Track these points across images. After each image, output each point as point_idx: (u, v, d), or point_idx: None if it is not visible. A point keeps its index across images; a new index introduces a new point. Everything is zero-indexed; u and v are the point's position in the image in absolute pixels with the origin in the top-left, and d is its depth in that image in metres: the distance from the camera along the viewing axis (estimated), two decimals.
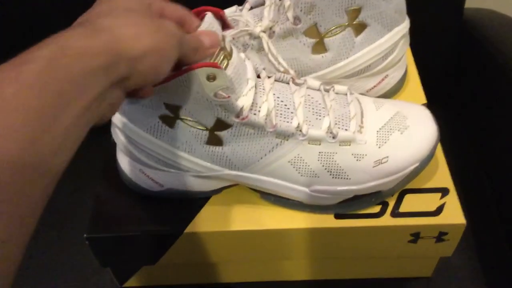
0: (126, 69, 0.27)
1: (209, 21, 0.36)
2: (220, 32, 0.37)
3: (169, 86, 0.36)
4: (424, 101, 0.51)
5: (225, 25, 0.40)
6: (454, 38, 0.67)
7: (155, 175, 0.44)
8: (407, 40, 0.49)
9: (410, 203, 0.44)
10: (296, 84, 0.43)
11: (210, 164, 0.42)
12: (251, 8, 0.47)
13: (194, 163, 0.42)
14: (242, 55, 0.41)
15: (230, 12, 0.46)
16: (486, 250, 0.54)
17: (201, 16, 0.38)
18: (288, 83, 0.42)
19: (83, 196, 0.59)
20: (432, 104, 0.50)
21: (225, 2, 0.47)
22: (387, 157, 0.42)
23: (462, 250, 0.51)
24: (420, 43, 0.53)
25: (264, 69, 0.45)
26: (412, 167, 0.43)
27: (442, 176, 0.46)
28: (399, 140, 0.42)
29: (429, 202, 0.44)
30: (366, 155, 0.42)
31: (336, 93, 0.43)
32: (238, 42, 0.45)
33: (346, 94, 0.44)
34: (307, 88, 0.43)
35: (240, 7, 0.47)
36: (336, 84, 0.44)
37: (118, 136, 0.43)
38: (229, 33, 0.42)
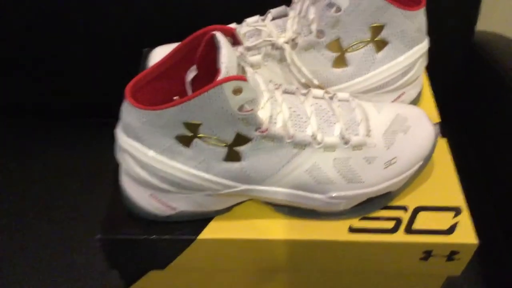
0: None
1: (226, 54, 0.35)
2: (234, 52, 0.37)
3: (192, 104, 0.35)
4: (438, 119, 0.53)
5: (236, 42, 0.40)
6: (465, 58, 0.71)
7: (168, 198, 0.42)
8: (425, 59, 0.50)
9: (424, 220, 0.45)
10: (302, 94, 0.43)
11: (227, 181, 0.41)
12: (273, 18, 0.47)
13: (210, 181, 0.41)
14: (251, 69, 0.41)
15: (252, 21, 0.46)
16: (492, 269, 0.56)
17: (209, 36, 0.38)
18: (294, 93, 0.43)
19: (90, 197, 0.62)
20: (444, 123, 0.52)
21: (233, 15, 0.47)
22: (396, 157, 0.43)
23: (467, 269, 0.50)
24: (431, 64, 0.55)
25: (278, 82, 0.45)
26: (417, 165, 0.45)
27: (455, 195, 0.47)
28: (404, 140, 0.44)
29: (442, 220, 0.45)
30: (377, 157, 0.43)
31: (340, 100, 0.44)
32: (260, 51, 0.45)
33: (348, 100, 0.45)
34: (313, 97, 0.43)
35: (262, 17, 0.47)
36: (338, 92, 0.45)
37: (126, 161, 0.41)
38: (251, 42, 0.42)
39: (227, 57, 0.36)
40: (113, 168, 0.47)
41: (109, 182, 0.47)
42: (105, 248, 0.45)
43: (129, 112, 0.38)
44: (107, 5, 0.66)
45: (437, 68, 0.58)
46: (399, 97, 0.50)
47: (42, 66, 0.71)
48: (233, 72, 0.36)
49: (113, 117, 0.47)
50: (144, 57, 0.58)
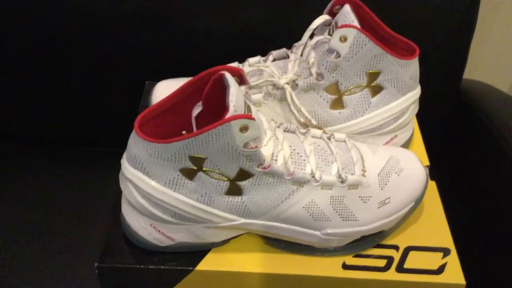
0: None
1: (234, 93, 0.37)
2: (241, 92, 0.39)
3: (200, 139, 0.37)
4: (428, 162, 0.55)
5: (242, 81, 0.42)
6: (452, 106, 0.75)
7: (168, 229, 0.43)
8: (417, 105, 0.53)
9: (414, 260, 0.46)
10: (302, 134, 0.45)
11: (227, 214, 0.42)
12: (274, 59, 0.50)
13: (211, 214, 0.42)
14: (255, 108, 0.43)
15: (254, 61, 0.49)
16: None
17: (217, 75, 0.40)
18: (294, 132, 0.45)
19: (86, 226, 0.62)
20: (433, 167, 0.54)
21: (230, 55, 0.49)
22: (389, 198, 0.45)
23: None
24: (421, 110, 0.57)
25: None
26: (409, 206, 0.47)
27: (443, 236, 0.48)
28: (397, 181, 0.46)
29: (432, 260, 0.46)
30: (371, 197, 0.45)
31: (336, 141, 0.46)
32: (261, 90, 0.47)
33: (345, 141, 0.47)
34: (312, 136, 0.45)
35: (264, 58, 0.50)
36: (335, 133, 0.47)
37: (129, 190, 0.42)
38: (254, 82, 0.45)
39: (236, 96, 0.37)
40: (111, 197, 0.48)
41: (106, 211, 0.48)
42: (102, 276, 0.45)
43: (136, 143, 0.40)
44: (109, 38, 0.68)
45: (427, 113, 0.61)
46: (391, 139, 0.53)
47: (44, 97, 0.73)
48: (241, 110, 0.37)
49: (113, 147, 0.48)
50: (147, 90, 0.60)
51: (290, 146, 0.43)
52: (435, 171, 0.55)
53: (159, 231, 0.43)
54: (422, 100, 0.55)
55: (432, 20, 0.68)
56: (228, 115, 0.36)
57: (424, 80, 0.54)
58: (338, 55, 0.46)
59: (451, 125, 0.77)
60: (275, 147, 0.41)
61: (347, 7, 0.47)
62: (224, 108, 0.38)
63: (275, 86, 0.48)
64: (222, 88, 0.40)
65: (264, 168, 0.40)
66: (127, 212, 0.44)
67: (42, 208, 0.68)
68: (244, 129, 0.37)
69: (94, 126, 0.76)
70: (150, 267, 0.44)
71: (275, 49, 0.53)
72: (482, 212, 0.68)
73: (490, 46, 0.94)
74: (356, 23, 0.45)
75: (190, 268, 0.44)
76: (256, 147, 0.38)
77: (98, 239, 0.46)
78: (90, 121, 0.75)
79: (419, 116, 0.60)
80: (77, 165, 0.73)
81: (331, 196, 0.43)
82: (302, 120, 0.49)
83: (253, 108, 0.41)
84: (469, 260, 0.56)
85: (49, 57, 0.69)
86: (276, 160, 0.41)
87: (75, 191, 0.69)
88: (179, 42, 0.68)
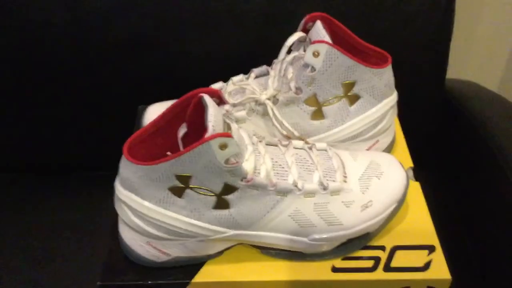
0: None
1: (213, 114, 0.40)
2: (219, 111, 0.42)
3: (183, 158, 0.40)
4: (411, 164, 0.57)
5: (221, 101, 0.44)
6: (436, 106, 0.77)
7: (163, 245, 0.46)
8: (395, 110, 0.56)
9: (401, 258, 0.48)
10: (283, 146, 0.48)
11: (217, 227, 0.45)
12: (256, 77, 0.53)
13: (202, 228, 0.44)
14: (235, 125, 0.45)
15: (237, 80, 0.52)
16: None
17: (197, 98, 0.43)
18: (276, 145, 0.47)
19: (87, 248, 0.65)
20: (418, 167, 0.57)
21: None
22: (371, 201, 0.47)
23: None
24: (407, 113, 0.60)
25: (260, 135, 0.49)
26: (392, 208, 0.49)
27: (428, 234, 0.50)
28: (378, 185, 0.48)
29: (418, 258, 0.48)
30: (354, 201, 0.47)
31: (318, 150, 0.49)
32: (244, 107, 0.50)
33: (326, 150, 0.49)
34: (294, 148, 0.48)
35: (246, 76, 0.52)
36: (316, 142, 0.50)
37: (124, 211, 0.45)
38: (237, 99, 0.47)
39: (214, 116, 0.40)
40: (109, 218, 0.50)
41: (105, 232, 0.51)
42: None
43: (126, 167, 0.42)
44: (101, 65, 0.71)
45: (413, 115, 0.64)
46: (373, 145, 0.55)
47: (41, 126, 0.76)
48: (219, 129, 0.40)
49: (108, 171, 0.51)
50: (139, 113, 0.63)
51: (272, 159, 0.45)
52: (420, 172, 0.57)
53: (155, 247, 0.46)
54: (408, 102, 0.57)
55: (410, 24, 0.71)
56: (207, 135, 0.39)
57: (408, 83, 0.56)
58: (313, 69, 0.49)
59: (438, 125, 0.79)
60: (257, 161, 0.44)
61: (318, 23, 0.49)
62: (206, 128, 0.41)
63: (257, 102, 0.51)
64: (203, 109, 0.43)
65: (248, 181, 0.42)
66: (124, 231, 0.47)
67: (43, 233, 0.71)
68: (223, 146, 0.39)
69: (92, 153, 0.79)
70: (149, 282, 0.47)
71: (259, 65, 0.56)
72: (469, 210, 0.70)
73: (477, 44, 0.96)
74: (327, 38, 0.48)
75: (187, 281, 0.47)
76: (237, 162, 0.41)
77: (99, 259, 0.49)
78: (89, 148, 0.78)
79: (406, 118, 0.63)
80: (74, 191, 0.76)
81: (314, 203, 0.46)
82: (284, 132, 0.51)
83: (234, 126, 0.44)
84: (457, 256, 0.58)
85: (43, 86, 0.72)
86: (259, 173, 0.43)
87: (75, 215, 0.72)
88: (169, 66, 0.71)
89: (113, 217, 0.49)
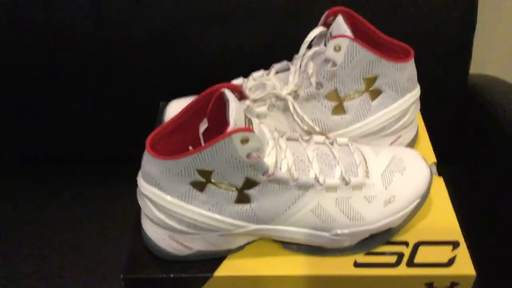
0: None
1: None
2: (241, 106, 0.42)
3: (205, 153, 0.40)
4: (434, 159, 0.57)
5: (242, 96, 0.44)
6: (460, 101, 0.76)
7: (185, 239, 0.46)
8: (418, 105, 0.55)
9: (424, 254, 0.48)
10: (305, 141, 0.48)
11: (238, 222, 0.45)
12: (276, 72, 0.52)
13: (223, 222, 0.45)
14: (256, 120, 0.45)
15: (258, 75, 0.52)
16: None
17: (218, 93, 0.43)
18: (298, 140, 0.47)
19: (109, 240, 0.67)
20: (441, 162, 0.56)
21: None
22: (394, 196, 0.47)
23: None
24: (429, 108, 0.59)
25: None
26: (415, 203, 0.48)
27: (452, 229, 0.50)
28: (401, 180, 0.48)
29: (442, 253, 0.48)
30: (376, 196, 0.46)
31: (339, 145, 0.49)
32: (265, 103, 0.50)
33: (347, 145, 0.49)
34: (315, 142, 0.48)
35: (267, 72, 0.52)
36: (337, 137, 0.49)
37: (147, 206, 0.45)
38: (257, 95, 0.47)
39: (235, 111, 0.40)
40: (132, 212, 0.51)
41: (128, 226, 0.51)
42: (128, 287, 0.48)
43: (148, 162, 0.43)
44: (122, 64, 0.72)
45: (435, 110, 0.63)
46: (396, 140, 0.54)
47: (63, 117, 0.78)
48: (241, 124, 0.40)
49: (132, 165, 0.52)
50: (161, 110, 0.63)
51: (293, 154, 0.45)
52: (444, 167, 0.56)
53: (177, 241, 0.46)
54: (431, 97, 0.56)
55: (433, 17, 0.70)
56: (229, 129, 0.39)
57: (431, 77, 0.56)
58: (334, 64, 0.49)
59: (461, 120, 0.77)
60: (278, 155, 0.44)
61: (339, 18, 0.49)
62: (227, 122, 0.41)
63: (278, 97, 0.51)
64: (224, 104, 0.43)
65: (269, 176, 0.42)
66: (146, 225, 0.47)
67: (67, 227, 0.72)
68: (245, 141, 0.39)
69: (116, 148, 0.80)
70: (172, 276, 0.47)
71: (279, 61, 0.56)
72: (493, 205, 0.69)
73: (501, 39, 0.94)
74: (348, 32, 0.48)
75: (209, 275, 0.47)
76: (259, 157, 0.41)
77: (122, 252, 0.50)
78: (112, 143, 0.79)
79: (428, 114, 0.62)
80: (98, 185, 0.78)
81: (336, 198, 0.45)
82: (305, 128, 0.51)
83: (255, 121, 0.44)
84: (481, 252, 0.57)
85: (68, 82, 0.73)
86: (280, 168, 0.43)
87: (99, 210, 0.73)
88: (189, 62, 0.71)
89: (136, 212, 0.50)
